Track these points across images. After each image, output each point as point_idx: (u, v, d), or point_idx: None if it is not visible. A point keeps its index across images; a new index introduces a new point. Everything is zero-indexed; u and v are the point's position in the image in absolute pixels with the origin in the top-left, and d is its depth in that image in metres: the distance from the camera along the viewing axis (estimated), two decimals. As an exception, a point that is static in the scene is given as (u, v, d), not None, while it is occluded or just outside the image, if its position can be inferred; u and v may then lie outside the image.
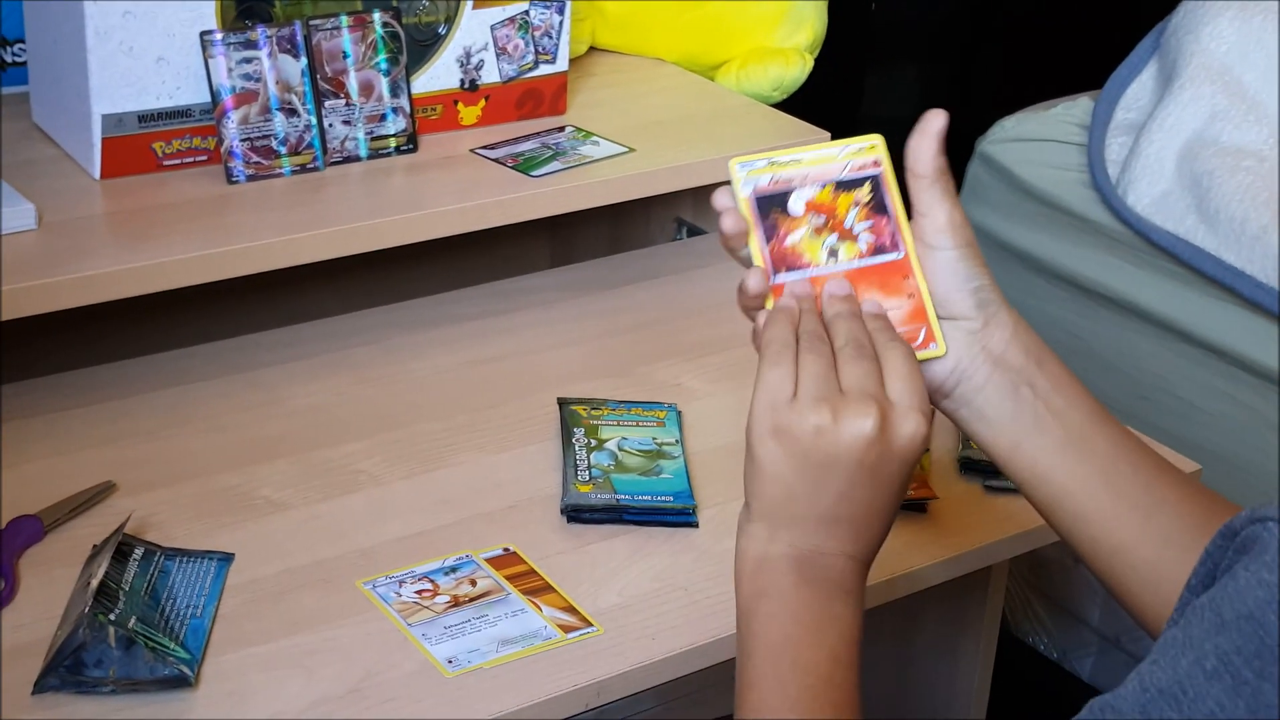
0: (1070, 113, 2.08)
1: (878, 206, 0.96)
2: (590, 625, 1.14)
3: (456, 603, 1.15)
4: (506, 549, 1.21)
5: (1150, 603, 0.93)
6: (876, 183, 0.96)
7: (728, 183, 0.95)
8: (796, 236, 0.95)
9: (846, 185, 0.96)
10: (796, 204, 0.95)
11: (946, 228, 0.94)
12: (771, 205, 0.95)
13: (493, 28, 1.54)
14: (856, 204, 0.96)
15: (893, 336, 0.91)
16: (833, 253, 0.95)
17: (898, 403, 0.88)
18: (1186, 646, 0.71)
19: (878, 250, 0.95)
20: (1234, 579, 0.71)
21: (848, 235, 0.96)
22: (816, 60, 1.87)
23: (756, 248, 0.95)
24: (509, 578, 1.18)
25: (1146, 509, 0.93)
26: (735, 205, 0.95)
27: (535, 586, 1.17)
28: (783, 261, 0.95)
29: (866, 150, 0.96)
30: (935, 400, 0.96)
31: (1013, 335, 0.95)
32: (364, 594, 1.16)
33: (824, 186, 0.96)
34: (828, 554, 0.89)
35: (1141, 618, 0.95)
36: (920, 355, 0.93)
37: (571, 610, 1.15)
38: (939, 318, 0.95)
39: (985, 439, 0.96)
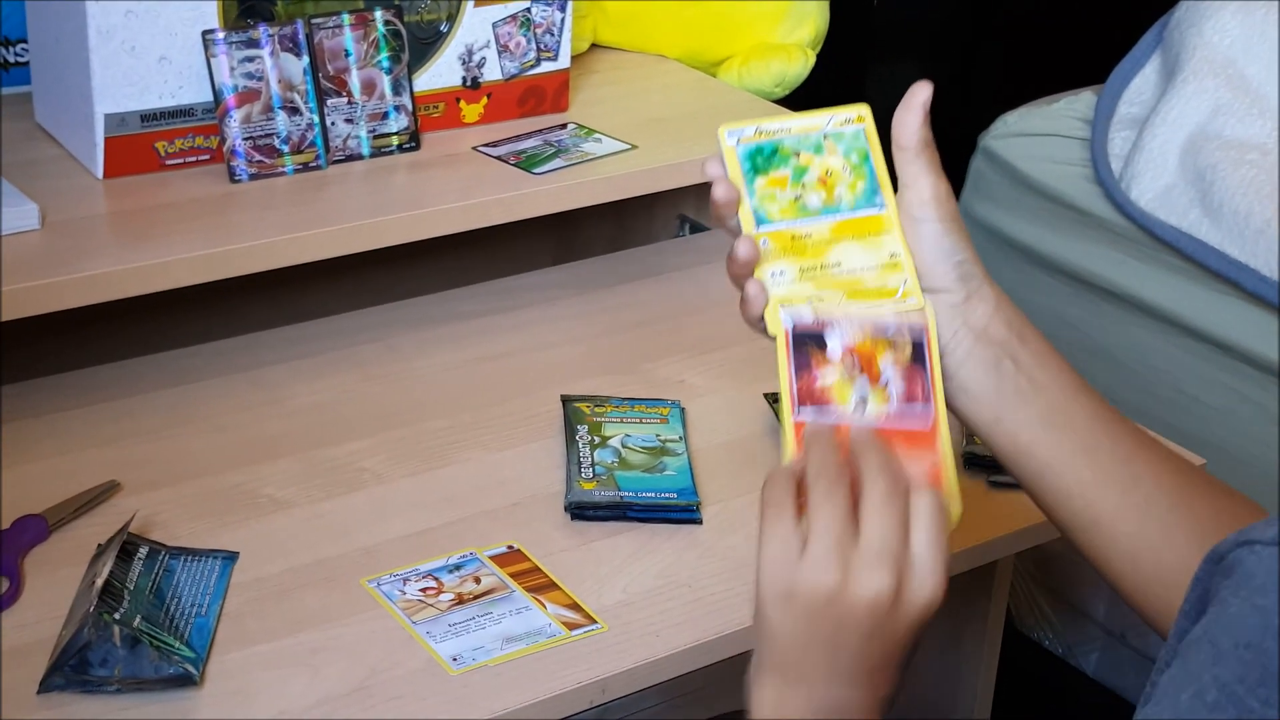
0: (1073, 107, 2.08)
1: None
2: (594, 623, 1.14)
3: (461, 600, 1.15)
4: (510, 546, 1.21)
5: (1130, 576, 0.93)
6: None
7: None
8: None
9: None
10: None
11: (931, 200, 0.94)
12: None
13: (494, 25, 1.54)
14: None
15: (921, 484, 0.87)
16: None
17: (917, 563, 0.84)
18: (1186, 681, 0.70)
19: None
20: (1225, 607, 0.70)
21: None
22: (818, 56, 1.87)
23: (747, 217, 0.95)
24: (513, 575, 1.18)
25: (1126, 482, 0.93)
26: (725, 173, 0.95)
27: (539, 584, 1.17)
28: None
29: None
30: None
31: (995, 309, 0.94)
32: (368, 592, 1.16)
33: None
34: (844, 702, 0.86)
35: (1122, 591, 0.95)
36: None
37: (576, 607, 1.15)
38: (923, 291, 0.95)
39: (968, 412, 0.95)
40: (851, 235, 0.96)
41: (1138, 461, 0.94)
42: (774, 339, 0.94)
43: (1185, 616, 0.75)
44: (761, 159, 0.95)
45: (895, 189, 0.96)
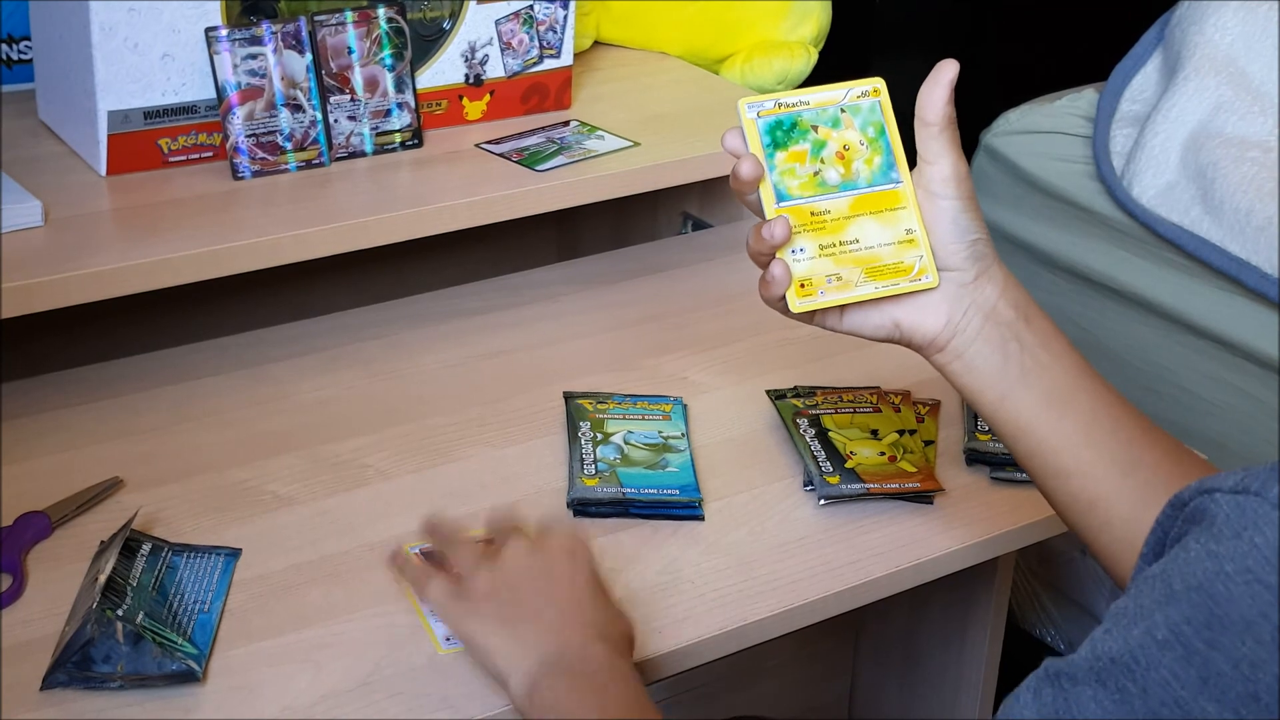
0: (1075, 105, 2.08)
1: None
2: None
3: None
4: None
5: (1125, 559, 0.95)
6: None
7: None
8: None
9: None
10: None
11: (951, 178, 0.96)
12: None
13: (497, 22, 1.54)
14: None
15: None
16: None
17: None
18: (1138, 616, 0.73)
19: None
20: (1184, 550, 0.72)
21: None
22: (821, 53, 1.87)
23: (768, 192, 0.96)
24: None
25: (1125, 465, 0.95)
26: (746, 147, 0.96)
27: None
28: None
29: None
30: (929, 354, 0.99)
31: (1003, 290, 0.97)
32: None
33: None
34: (572, 649, 0.97)
35: (1117, 574, 0.96)
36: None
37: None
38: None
39: (973, 390, 0.98)
40: (869, 211, 0.97)
41: (1138, 446, 0.95)
42: (790, 311, 0.98)
43: (1143, 559, 0.78)
44: (781, 132, 0.96)
45: (912, 165, 0.97)
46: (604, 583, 1.04)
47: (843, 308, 1.00)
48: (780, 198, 0.95)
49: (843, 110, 0.96)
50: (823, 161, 0.96)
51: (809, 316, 1.00)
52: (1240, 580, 0.69)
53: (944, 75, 0.95)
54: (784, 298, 0.97)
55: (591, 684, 0.94)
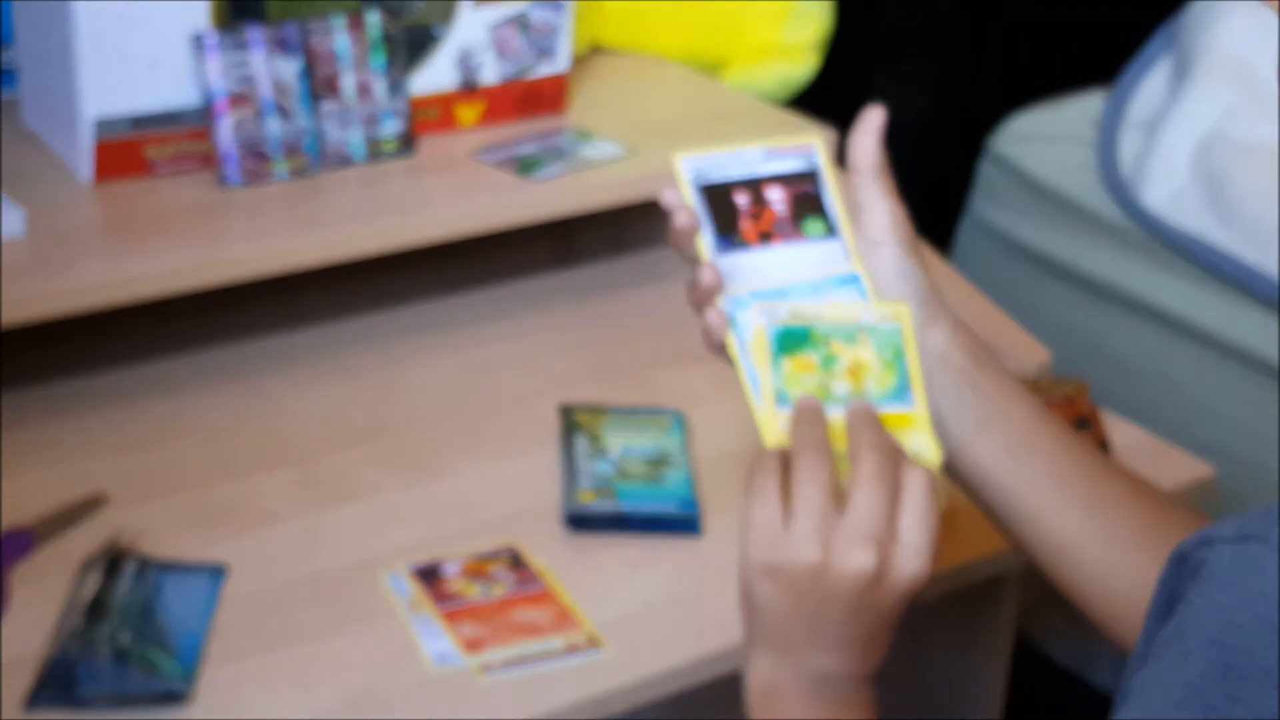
0: (1082, 110, 2.06)
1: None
2: (597, 647, 1.11)
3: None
4: (513, 552, 1.20)
5: (1099, 599, 0.94)
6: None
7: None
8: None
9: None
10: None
11: (889, 224, 0.95)
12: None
13: (492, 27, 1.52)
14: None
15: (915, 464, 0.87)
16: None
17: (903, 542, 0.84)
18: (1155, 683, 0.71)
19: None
20: (1190, 606, 0.71)
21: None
22: (824, 57, 1.85)
23: (704, 244, 0.95)
24: (519, 582, 1.16)
25: (1090, 505, 0.94)
26: (683, 202, 0.95)
27: (541, 594, 1.15)
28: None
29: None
30: None
31: (951, 335, 0.95)
32: (380, 584, 1.16)
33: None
34: (832, 676, 0.88)
35: (1092, 615, 0.95)
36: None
37: (578, 626, 1.13)
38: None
39: None
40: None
41: (1102, 484, 0.95)
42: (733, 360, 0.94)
43: (1152, 619, 0.77)
44: (791, 342, 0.93)
45: (852, 214, 0.96)
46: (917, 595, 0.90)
47: None
48: (781, 402, 0.93)
49: (861, 329, 0.94)
50: (831, 375, 0.94)
51: None
52: (1253, 628, 0.68)
53: (871, 122, 0.95)
54: (724, 346, 0.95)
55: (834, 712, 0.88)
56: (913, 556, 0.84)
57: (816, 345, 0.93)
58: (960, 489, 0.98)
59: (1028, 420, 0.95)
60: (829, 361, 0.93)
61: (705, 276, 0.93)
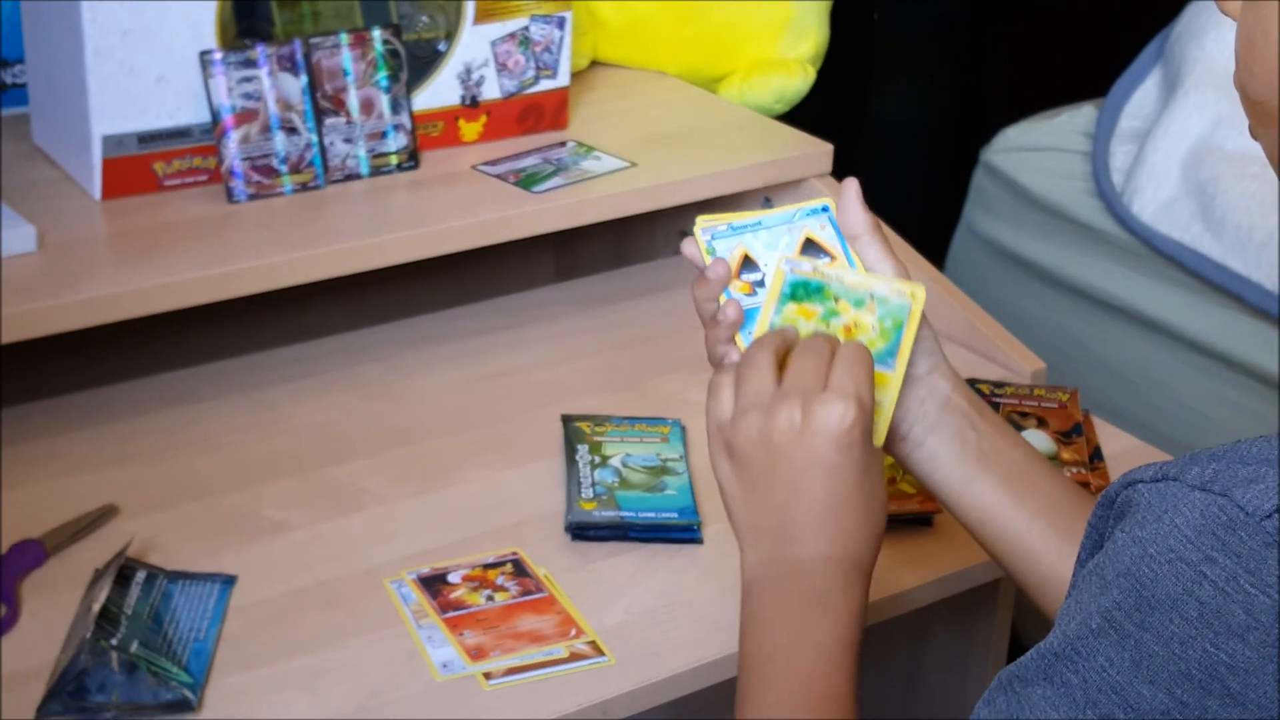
0: (1074, 121, 2.08)
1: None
2: (602, 655, 1.13)
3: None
4: (517, 558, 1.21)
5: None
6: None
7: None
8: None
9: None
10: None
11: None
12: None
13: (493, 43, 1.54)
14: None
15: (854, 343, 0.95)
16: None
17: (829, 389, 0.91)
18: (1075, 610, 0.75)
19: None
20: (1113, 542, 0.75)
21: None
22: (819, 71, 1.86)
23: (724, 298, 1.01)
24: (523, 591, 1.17)
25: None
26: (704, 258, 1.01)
27: (544, 602, 1.17)
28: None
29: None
30: (891, 446, 1.01)
31: (954, 384, 1.01)
32: (385, 590, 1.17)
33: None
34: (805, 561, 0.91)
35: None
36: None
37: (581, 633, 1.14)
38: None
39: (937, 479, 1.01)
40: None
41: None
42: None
43: (1080, 563, 0.80)
44: (804, 292, 0.99)
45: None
46: (875, 469, 0.93)
47: None
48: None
49: (872, 297, 0.99)
50: (828, 326, 0.99)
51: None
52: (1163, 560, 0.71)
53: (850, 189, 1.01)
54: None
55: (808, 606, 0.91)
56: (836, 399, 0.90)
57: (825, 300, 0.99)
58: (963, 526, 1.02)
59: (1025, 461, 1.01)
60: (830, 315, 0.98)
61: (717, 268, 1.00)
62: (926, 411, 1.00)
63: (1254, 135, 0.81)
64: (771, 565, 0.92)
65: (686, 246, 1.02)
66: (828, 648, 0.90)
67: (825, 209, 1.02)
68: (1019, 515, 0.99)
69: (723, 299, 1.00)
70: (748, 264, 1.01)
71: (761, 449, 0.91)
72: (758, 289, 1.00)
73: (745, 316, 1.00)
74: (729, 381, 0.95)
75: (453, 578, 1.19)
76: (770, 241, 1.01)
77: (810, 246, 1.01)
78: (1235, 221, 1.78)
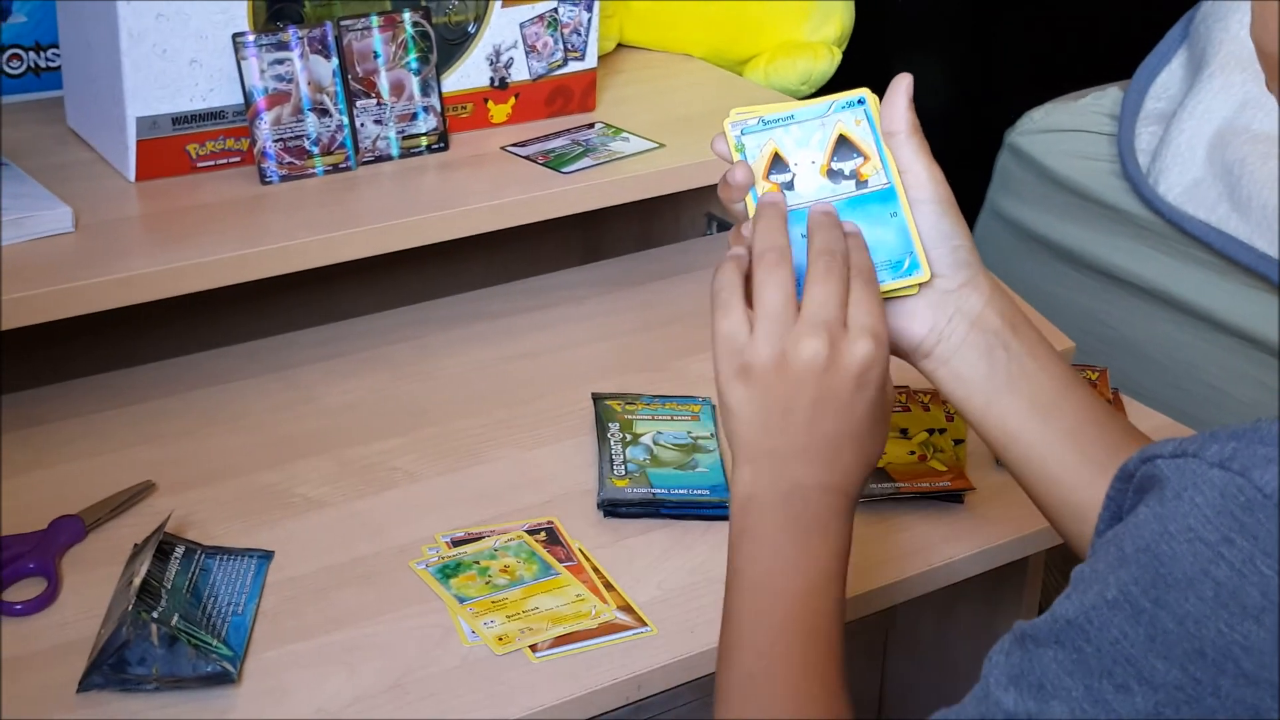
0: (1100, 103, 2.07)
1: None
2: (644, 625, 1.13)
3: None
4: (551, 527, 1.22)
5: None
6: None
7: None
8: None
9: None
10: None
11: (927, 182, 0.97)
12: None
13: (522, 26, 1.54)
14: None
15: (861, 259, 0.94)
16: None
17: (851, 326, 0.91)
18: (1092, 580, 0.75)
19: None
20: (1136, 515, 0.75)
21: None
22: (844, 53, 1.87)
23: (752, 202, 0.97)
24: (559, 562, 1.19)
25: (1111, 469, 0.93)
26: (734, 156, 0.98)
27: (585, 576, 1.18)
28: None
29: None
30: (915, 360, 0.99)
31: (989, 298, 0.97)
32: (418, 575, 1.17)
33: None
34: (804, 488, 0.92)
35: None
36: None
37: (627, 608, 1.15)
38: None
39: (959, 397, 0.98)
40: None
41: (1125, 451, 0.96)
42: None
43: (1098, 534, 0.80)
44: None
45: None
46: (883, 406, 0.94)
47: None
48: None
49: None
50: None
51: None
52: (1182, 539, 0.71)
53: (901, 84, 0.98)
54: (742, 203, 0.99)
55: (803, 530, 0.91)
56: (860, 337, 0.91)
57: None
58: (989, 448, 1.00)
59: (1056, 384, 0.97)
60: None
61: (740, 173, 0.97)
62: (955, 328, 0.97)
63: (1272, 89, 0.82)
64: (772, 487, 0.92)
65: (717, 144, 0.99)
66: (821, 570, 0.91)
67: (862, 101, 0.99)
68: (1042, 441, 0.97)
69: (749, 201, 0.97)
70: (777, 162, 0.98)
71: (781, 376, 0.91)
72: (786, 191, 0.97)
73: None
74: (738, 297, 0.93)
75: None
76: (802, 138, 0.98)
77: (843, 144, 0.98)
78: (1262, 202, 1.78)
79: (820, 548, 0.91)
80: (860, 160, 0.98)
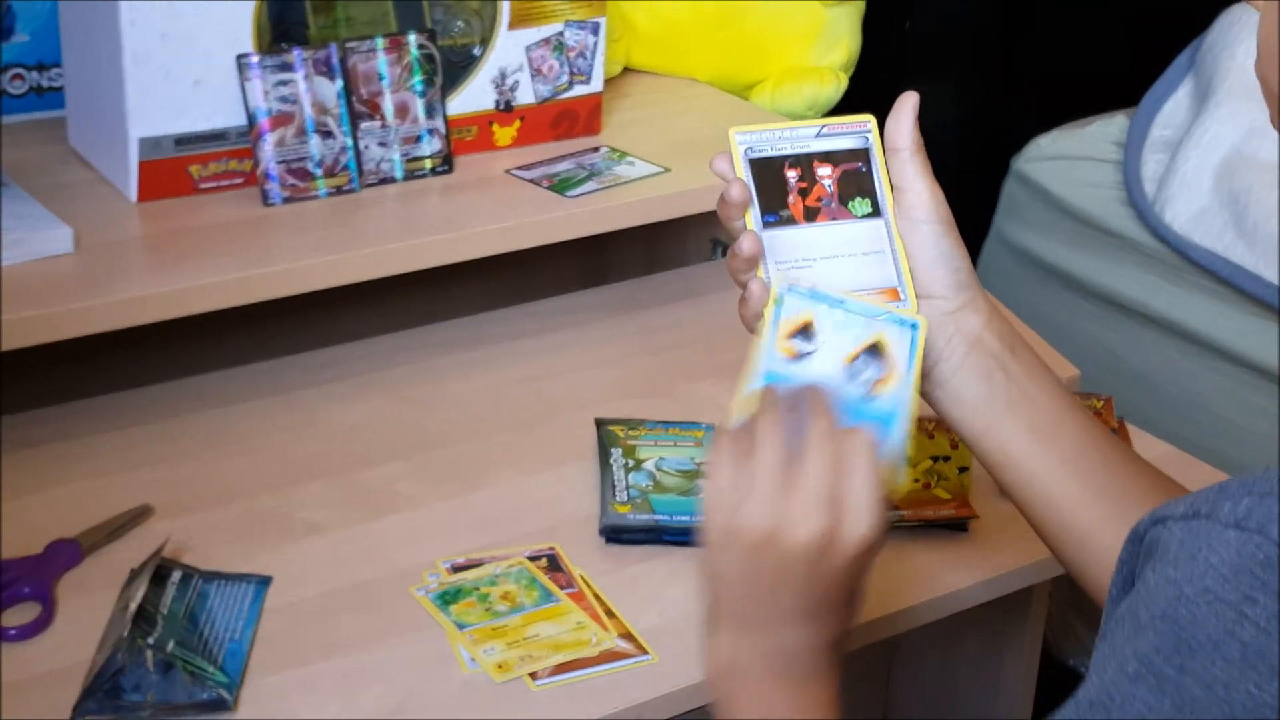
0: (1106, 130, 2.07)
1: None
2: (645, 653, 1.13)
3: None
4: (553, 554, 1.21)
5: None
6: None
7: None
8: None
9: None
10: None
11: (929, 202, 0.96)
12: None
13: (528, 49, 1.54)
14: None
15: (862, 429, 0.89)
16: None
17: (852, 504, 0.86)
18: (1110, 656, 0.73)
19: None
20: (1145, 582, 0.73)
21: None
22: (851, 79, 1.86)
23: (752, 217, 0.96)
24: (562, 592, 1.18)
25: (1113, 496, 0.95)
26: (734, 173, 0.97)
27: (587, 604, 1.17)
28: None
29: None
30: None
31: (988, 320, 0.96)
32: (418, 601, 1.16)
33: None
34: (793, 649, 0.89)
35: (1103, 603, 0.94)
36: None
37: (628, 636, 1.14)
38: (916, 296, 0.96)
39: (958, 420, 0.97)
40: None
41: (1124, 475, 0.96)
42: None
43: (1112, 600, 0.78)
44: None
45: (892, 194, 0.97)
46: (871, 566, 0.90)
47: None
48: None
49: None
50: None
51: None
52: (1201, 601, 0.69)
53: (907, 103, 0.96)
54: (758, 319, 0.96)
55: (796, 681, 0.89)
56: (861, 518, 0.86)
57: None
58: (988, 471, 0.99)
59: (1055, 408, 0.96)
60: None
61: (745, 244, 0.95)
62: (954, 350, 0.95)
63: (1275, 125, 0.81)
64: (756, 652, 0.89)
65: (716, 163, 0.98)
66: (823, 708, 0.89)
67: (915, 325, 0.94)
68: (1041, 465, 0.95)
69: (747, 218, 0.96)
70: (805, 331, 0.95)
71: (776, 549, 0.86)
72: (797, 362, 0.94)
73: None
74: (729, 460, 0.88)
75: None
76: (844, 323, 0.94)
77: (875, 351, 0.94)
78: (1268, 230, 1.78)
79: (819, 692, 0.89)
80: (883, 374, 0.93)
